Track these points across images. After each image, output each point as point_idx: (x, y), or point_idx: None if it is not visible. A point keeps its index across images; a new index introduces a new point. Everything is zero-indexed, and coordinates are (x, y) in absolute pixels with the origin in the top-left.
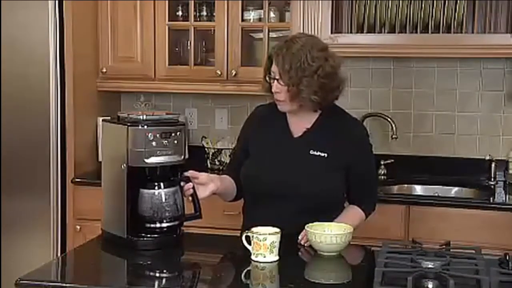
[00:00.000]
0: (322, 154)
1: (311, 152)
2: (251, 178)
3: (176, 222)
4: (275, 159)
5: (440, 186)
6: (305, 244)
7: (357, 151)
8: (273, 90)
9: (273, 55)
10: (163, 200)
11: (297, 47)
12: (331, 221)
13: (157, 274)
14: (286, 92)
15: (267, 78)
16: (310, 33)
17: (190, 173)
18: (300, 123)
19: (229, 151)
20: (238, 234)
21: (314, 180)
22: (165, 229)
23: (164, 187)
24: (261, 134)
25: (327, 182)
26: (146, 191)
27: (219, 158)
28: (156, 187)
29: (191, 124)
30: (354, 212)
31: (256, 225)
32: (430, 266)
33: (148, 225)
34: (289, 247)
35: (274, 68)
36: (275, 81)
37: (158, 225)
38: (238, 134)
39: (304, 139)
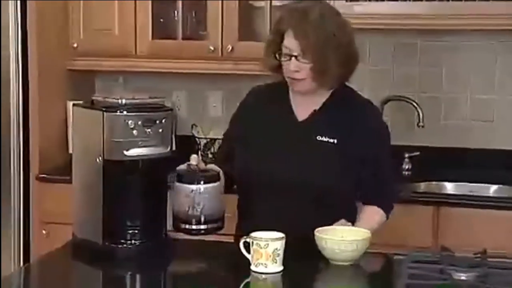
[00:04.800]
0: (331, 140)
1: (318, 138)
2: (249, 170)
3: (216, 225)
4: (277, 146)
5: (476, 184)
6: None
7: (371, 140)
8: (290, 69)
9: (287, 28)
10: (205, 196)
11: (315, 16)
12: (340, 218)
13: None
14: (308, 70)
15: (277, 55)
16: None
17: (193, 158)
18: (306, 104)
19: None
20: (233, 239)
21: (322, 169)
22: (202, 231)
23: (205, 182)
24: (260, 119)
25: (337, 172)
26: (185, 185)
27: (212, 150)
28: (196, 182)
29: (179, 109)
30: (372, 213)
31: (255, 226)
32: (463, 278)
33: (184, 225)
34: (295, 254)
35: (290, 42)
36: (293, 58)
37: (194, 226)
38: (231, 118)
39: (311, 122)
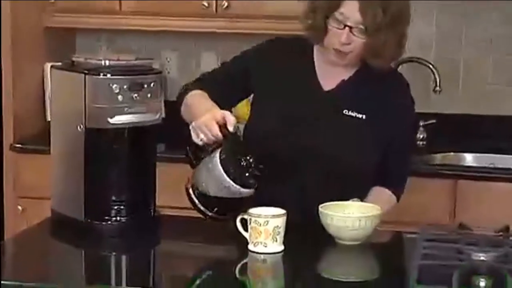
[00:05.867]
0: (359, 116)
1: (346, 112)
2: (259, 140)
3: (224, 217)
4: (295, 116)
5: (497, 155)
6: None
7: (400, 119)
8: (341, 40)
9: None
10: (239, 195)
11: None
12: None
13: (124, 269)
14: (360, 45)
15: (330, 20)
16: None
17: (226, 117)
18: (334, 73)
19: None
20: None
21: (350, 146)
22: (211, 216)
23: (247, 187)
24: (278, 78)
25: (365, 150)
26: (229, 180)
27: None
28: (243, 184)
29: (168, 72)
30: (383, 195)
31: (270, 200)
32: (482, 258)
33: (197, 201)
34: (297, 233)
35: (351, 13)
36: (347, 28)
37: (209, 213)
38: (238, 57)
39: (338, 94)
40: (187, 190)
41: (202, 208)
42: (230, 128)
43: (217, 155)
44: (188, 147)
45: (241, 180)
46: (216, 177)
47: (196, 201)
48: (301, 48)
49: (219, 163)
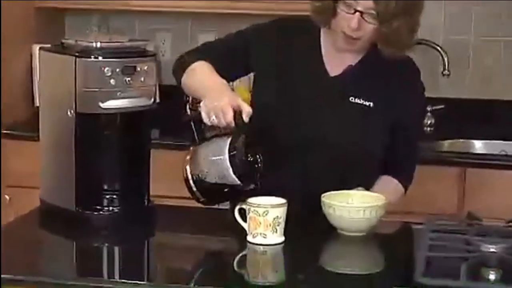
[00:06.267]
0: (366, 103)
1: (352, 99)
2: (260, 124)
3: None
4: (298, 102)
5: (508, 142)
6: None
7: (408, 105)
8: (351, 25)
9: None
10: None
11: None
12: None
13: (117, 262)
14: (370, 30)
15: (339, 4)
16: None
17: (243, 106)
18: (340, 57)
19: None
20: (228, 207)
21: (351, 137)
22: (202, 201)
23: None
24: (280, 60)
25: (368, 142)
26: (233, 173)
27: (199, 107)
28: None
29: (163, 55)
30: (389, 185)
31: (275, 187)
32: (492, 250)
33: (193, 186)
34: (298, 224)
35: None
36: (357, 13)
37: (202, 198)
38: (240, 32)
39: (344, 80)
40: (185, 170)
41: (197, 193)
42: (246, 119)
43: (226, 149)
44: (193, 122)
45: (245, 176)
46: (221, 171)
47: (192, 184)
48: (307, 30)
49: (228, 159)
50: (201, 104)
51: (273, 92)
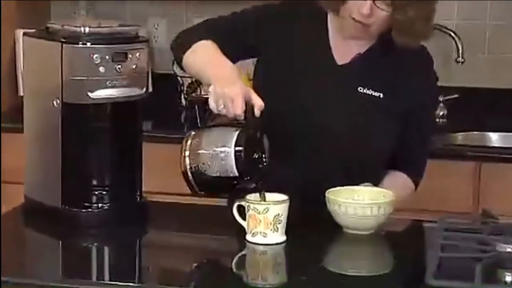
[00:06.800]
0: (376, 94)
1: (360, 89)
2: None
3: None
4: (303, 91)
5: None
6: None
7: (420, 97)
8: (363, 11)
9: None
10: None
11: None
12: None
13: (107, 262)
14: (385, 18)
15: None
16: None
17: (255, 99)
18: (349, 45)
19: None
20: (226, 203)
21: (359, 129)
22: (199, 192)
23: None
24: (285, 45)
25: (376, 134)
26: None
27: (198, 92)
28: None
29: (156, 41)
30: (399, 180)
31: (279, 182)
32: (509, 250)
33: (191, 178)
34: (300, 222)
35: None
36: None
37: (199, 191)
38: (244, 11)
39: (352, 69)
40: (183, 159)
41: (195, 186)
42: (257, 113)
43: (233, 144)
44: (197, 106)
45: (248, 174)
46: (224, 165)
47: (191, 177)
48: (314, 14)
49: (233, 155)
50: (210, 89)
51: (277, 77)
